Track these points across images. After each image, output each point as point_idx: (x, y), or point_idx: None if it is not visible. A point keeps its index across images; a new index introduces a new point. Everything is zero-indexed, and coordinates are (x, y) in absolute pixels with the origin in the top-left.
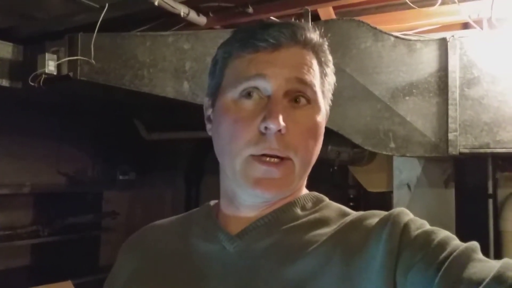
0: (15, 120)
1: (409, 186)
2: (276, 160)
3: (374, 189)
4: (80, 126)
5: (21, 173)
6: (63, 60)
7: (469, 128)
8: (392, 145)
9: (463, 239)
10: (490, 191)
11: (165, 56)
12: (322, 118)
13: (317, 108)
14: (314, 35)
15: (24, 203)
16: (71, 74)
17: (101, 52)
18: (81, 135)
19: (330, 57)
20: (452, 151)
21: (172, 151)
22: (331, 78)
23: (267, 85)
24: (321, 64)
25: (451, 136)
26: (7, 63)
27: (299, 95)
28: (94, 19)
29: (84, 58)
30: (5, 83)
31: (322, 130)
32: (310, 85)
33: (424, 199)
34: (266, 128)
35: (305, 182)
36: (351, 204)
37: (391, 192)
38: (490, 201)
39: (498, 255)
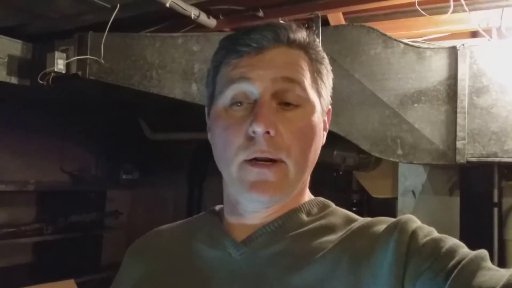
0: (21, 118)
1: (414, 193)
2: (268, 162)
3: (378, 195)
4: (84, 125)
5: (25, 170)
6: (72, 59)
7: (477, 137)
8: (400, 151)
9: (467, 247)
10: (495, 199)
11: (174, 57)
12: (317, 118)
13: (309, 107)
14: (299, 34)
15: (28, 200)
16: (80, 73)
17: (110, 52)
18: (85, 133)
19: (323, 54)
20: (459, 159)
21: (176, 151)
22: (327, 76)
23: (252, 89)
24: (311, 61)
25: (459, 144)
26: (16, 61)
27: (289, 96)
28: (104, 18)
29: (93, 58)
30: (13, 80)
31: (318, 130)
32: (298, 83)
33: (429, 206)
34: (254, 132)
35: (307, 186)
36: (354, 209)
37: (395, 198)
38: (495, 209)
39: (502, 264)
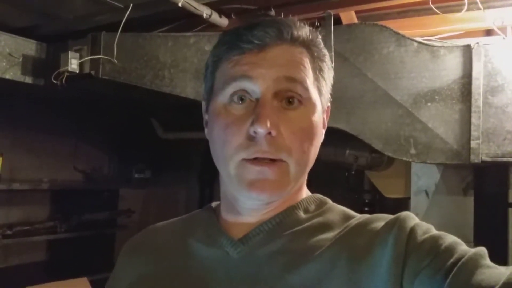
0: (34, 117)
1: (427, 193)
2: (268, 161)
3: (391, 195)
4: (97, 124)
5: (39, 169)
6: (85, 58)
7: (492, 136)
8: (413, 151)
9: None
10: (510, 199)
11: (186, 57)
12: (318, 117)
13: (311, 107)
14: (302, 31)
15: (42, 199)
16: (93, 72)
17: (123, 51)
18: (98, 132)
19: (325, 51)
20: (474, 159)
21: (187, 151)
22: (328, 73)
23: (254, 87)
24: (314, 59)
25: (473, 144)
26: (31, 60)
27: (291, 95)
28: (117, 19)
29: (106, 57)
30: (27, 79)
31: (319, 129)
32: (300, 82)
33: (442, 206)
34: (255, 132)
35: (305, 183)
36: (366, 209)
37: (408, 198)
38: (510, 210)
39: None
